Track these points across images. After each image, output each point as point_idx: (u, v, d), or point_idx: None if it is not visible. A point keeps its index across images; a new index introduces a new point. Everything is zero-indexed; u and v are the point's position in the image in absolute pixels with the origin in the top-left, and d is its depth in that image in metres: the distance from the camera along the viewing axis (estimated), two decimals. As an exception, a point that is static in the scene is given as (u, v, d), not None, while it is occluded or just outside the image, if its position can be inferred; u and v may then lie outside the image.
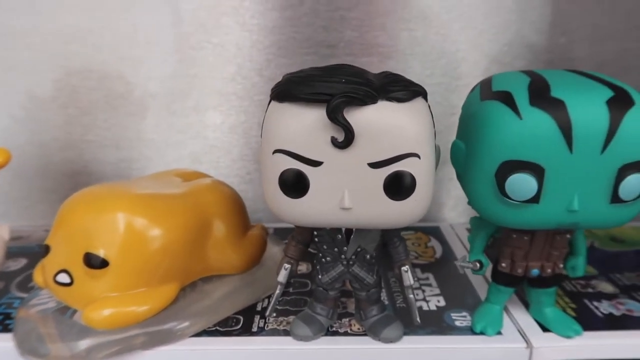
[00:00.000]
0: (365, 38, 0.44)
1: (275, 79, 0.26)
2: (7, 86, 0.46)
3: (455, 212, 0.49)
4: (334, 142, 0.24)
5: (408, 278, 0.29)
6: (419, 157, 0.24)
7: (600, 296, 0.35)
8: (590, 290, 0.36)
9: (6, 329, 0.31)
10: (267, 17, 0.43)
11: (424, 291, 0.36)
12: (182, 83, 0.45)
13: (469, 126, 0.27)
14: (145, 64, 0.45)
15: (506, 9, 0.43)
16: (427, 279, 0.37)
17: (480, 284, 0.36)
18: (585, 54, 0.44)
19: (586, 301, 0.34)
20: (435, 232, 0.46)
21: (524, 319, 0.32)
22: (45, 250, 0.31)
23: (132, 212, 0.30)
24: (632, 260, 0.40)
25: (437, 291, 0.36)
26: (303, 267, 0.39)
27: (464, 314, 0.33)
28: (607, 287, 0.36)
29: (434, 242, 0.44)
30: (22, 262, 0.40)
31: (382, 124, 0.24)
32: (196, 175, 0.38)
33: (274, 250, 0.38)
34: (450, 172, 0.48)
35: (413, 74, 0.44)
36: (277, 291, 0.30)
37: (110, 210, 0.30)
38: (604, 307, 0.33)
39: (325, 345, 0.30)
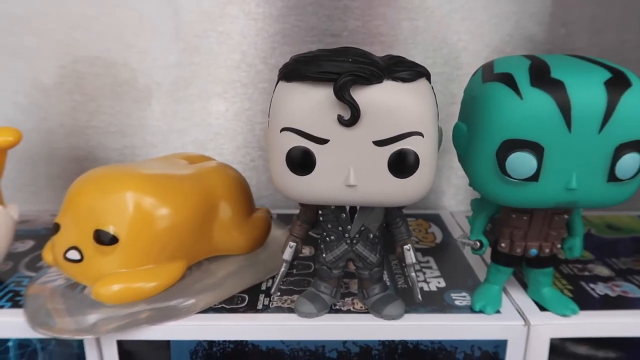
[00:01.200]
0: (367, 27, 0.45)
1: (280, 67, 0.27)
2: (13, 73, 0.46)
3: (455, 200, 0.50)
4: (341, 120, 0.25)
5: (410, 256, 0.30)
6: (422, 135, 0.25)
7: (597, 279, 0.35)
8: (587, 273, 0.36)
9: (16, 305, 0.32)
10: (272, 5, 0.44)
11: (424, 273, 0.36)
12: (186, 71, 0.46)
13: (471, 108, 0.28)
14: (150, 51, 0.46)
15: (506, 1, 0.44)
16: (428, 262, 0.38)
17: (479, 267, 0.37)
18: (584, 45, 0.45)
19: (583, 283, 0.35)
20: (435, 219, 0.47)
21: (522, 299, 0.33)
22: (55, 228, 0.32)
23: (142, 191, 0.31)
24: (628, 247, 0.41)
25: (438, 273, 0.36)
26: (306, 250, 0.40)
27: (464, 294, 0.33)
28: (603, 271, 0.37)
29: (434, 229, 0.45)
30: (29, 243, 0.41)
31: (387, 102, 0.25)
32: (202, 158, 0.38)
33: (278, 233, 0.39)
34: (450, 160, 0.49)
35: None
36: (283, 269, 0.31)
37: (120, 189, 0.31)
38: (600, 289, 0.34)
39: (329, 321, 0.31)
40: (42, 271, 0.34)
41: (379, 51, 0.45)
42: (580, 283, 0.35)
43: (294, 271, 0.37)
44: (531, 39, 0.45)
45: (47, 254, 0.33)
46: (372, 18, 0.44)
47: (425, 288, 0.34)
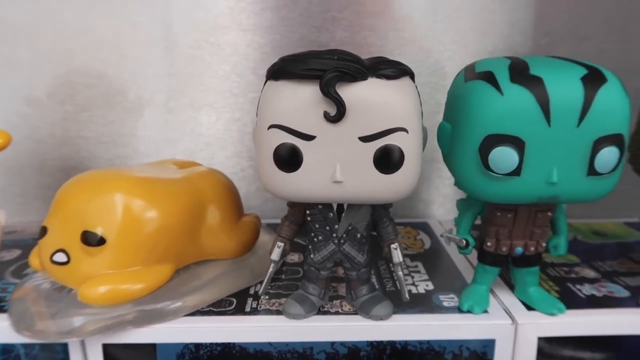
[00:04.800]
0: (355, 38, 0.46)
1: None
2: (5, 82, 0.47)
3: (444, 209, 0.51)
4: (327, 117, 0.25)
5: (397, 255, 0.30)
6: (407, 131, 0.26)
7: (583, 280, 0.36)
8: (573, 275, 0.37)
9: (1, 310, 0.32)
10: (262, 17, 0.45)
11: (413, 277, 0.36)
12: (178, 81, 0.47)
13: (455, 107, 0.29)
14: (142, 62, 0.46)
15: (490, 11, 0.45)
16: (416, 266, 0.38)
17: (467, 270, 0.37)
18: (565, 54, 0.46)
19: (569, 284, 0.35)
20: (424, 227, 0.47)
21: (510, 299, 0.33)
22: (42, 232, 0.32)
23: (130, 193, 0.31)
24: (614, 251, 0.42)
25: (426, 277, 0.36)
26: (295, 257, 0.40)
27: (452, 295, 0.33)
28: (589, 273, 0.37)
29: (422, 236, 0.45)
30: (16, 252, 0.41)
31: (372, 99, 0.26)
32: (192, 164, 0.39)
33: (266, 238, 0.39)
34: (439, 169, 0.50)
35: (402, 73, 0.46)
36: (271, 269, 0.31)
37: (109, 191, 0.31)
38: (586, 290, 0.34)
39: (317, 322, 0.30)
40: (28, 276, 0.34)
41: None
42: (567, 284, 0.35)
43: (283, 276, 0.37)
44: (514, 49, 0.46)
45: (34, 259, 0.33)
46: (359, 29, 0.46)
47: (414, 291, 0.34)
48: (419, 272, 0.37)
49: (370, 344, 0.30)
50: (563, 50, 0.45)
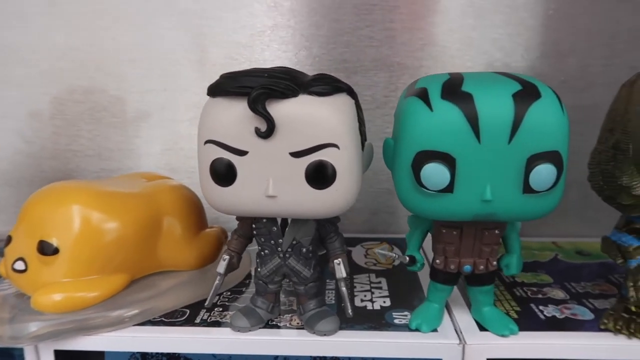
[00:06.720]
0: (332, 54, 0.46)
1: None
2: (1, 100, 0.49)
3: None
4: (258, 132, 0.26)
5: (340, 271, 0.30)
6: (337, 147, 0.26)
7: (549, 301, 0.35)
8: (540, 296, 0.35)
9: (-35, 315, 0.33)
10: (241, 34, 0.46)
11: (372, 293, 0.36)
12: (161, 97, 0.48)
13: (395, 123, 0.29)
14: (127, 79, 0.48)
15: (468, 27, 0.45)
16: (380, 282, 0.38)
17: (429, 288, 0.37)
18: (548, 71, 0.45)
19: (532, 305, 0.34)
20: (400, 243, 0.46)
21: (465, 318, 0.32)
22: (7, 240, 0.33)
23: (86, 206, 0.32)
24: (593, 272, 0.40)
25: (386, 293, 0.36)
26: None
27: (406, 313, 0.33)
28: (558, 294, 0.36)
29: (397, 251, 0.44)
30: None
31: (301, 115, 0.26)
32: (160, 178, 0.40)
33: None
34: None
35: (379, 89, 0.46)
36: (217, 282, 0.31)
37: (65, 203, 0.32)
38: (548, 311, 0.33)
39: (262, 336, 0.31)
40: (-2, 282, 0.36)
41: (343, 78, 0.46)
42: (529, 305, 0.34)
43: (244, 289, 0.37)
44: (493, 65, 0.45)
45: (2, 267, 0.34)
46: (336, 46, 0.46)
47: (369, 307, 0.34)
48: (380, 288, 0.37)
49: (314, 359, 0.30)
50: (544, 67, 0.45)
